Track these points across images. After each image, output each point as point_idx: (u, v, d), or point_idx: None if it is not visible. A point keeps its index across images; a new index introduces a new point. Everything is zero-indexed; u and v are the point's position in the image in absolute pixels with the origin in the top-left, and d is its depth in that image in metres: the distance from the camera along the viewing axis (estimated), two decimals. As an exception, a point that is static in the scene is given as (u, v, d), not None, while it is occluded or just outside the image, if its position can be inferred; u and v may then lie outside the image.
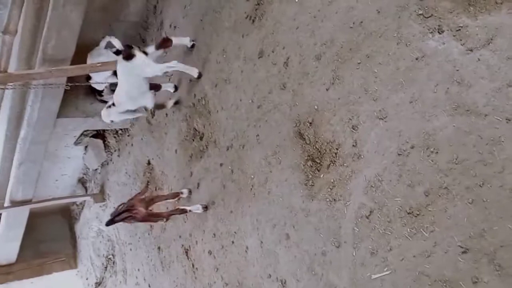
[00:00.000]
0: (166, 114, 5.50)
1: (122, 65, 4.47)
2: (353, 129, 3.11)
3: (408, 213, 2.75)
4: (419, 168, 2.68)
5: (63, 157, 7.33)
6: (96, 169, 7.46)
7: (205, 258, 4.75)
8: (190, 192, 5.01)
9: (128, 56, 4.42)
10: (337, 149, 3.25)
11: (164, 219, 4.69)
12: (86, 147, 7.38)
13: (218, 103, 4.50)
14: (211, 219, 4.63)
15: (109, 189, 7.12)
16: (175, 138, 5.32)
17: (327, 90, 3.32)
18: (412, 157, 2.72)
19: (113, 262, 7.21)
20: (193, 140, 4.96)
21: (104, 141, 7.09)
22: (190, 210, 4.71)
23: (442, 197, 2.57)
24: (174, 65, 4.55)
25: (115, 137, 6.90)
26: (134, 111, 4.99)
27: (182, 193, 4.97)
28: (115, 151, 6.92)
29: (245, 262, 4.18)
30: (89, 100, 6.01)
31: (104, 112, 4.94)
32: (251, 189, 4.04)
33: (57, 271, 7.96)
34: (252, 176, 4.02)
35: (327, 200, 3.32)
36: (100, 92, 5.89)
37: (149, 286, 5.95)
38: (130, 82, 4.55)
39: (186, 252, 5.09)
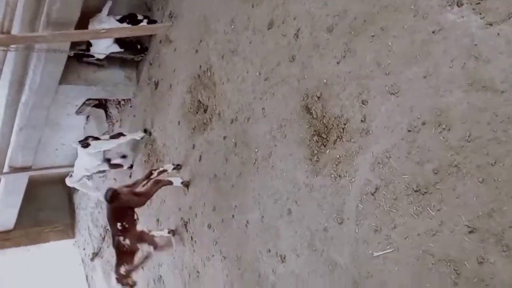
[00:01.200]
0: (170, 85, 5.42)
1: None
2: (363, 104, 3.03)
3: (415, 191, 2.69)
4: (430, 145, 2.62)
5: (64, 126, 7.25)
6: (97, 140, 7.41)
7: (204, 231, 4.72)
8: (177, 166, 5.11)
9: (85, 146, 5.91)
10: (344, 124, 3.18)
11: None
12: (87, 117, 7.31)
13: (224, 75, 4.41)
14: (212, 193, 4.59)
15: (109, 159, 7.08)
16: (178, 110, 5.24)
17: (337, 63, 3.23)
18: (422, 134, 2.66)
19: (111, 233, 7.21)
20: (197, 112, 4.88)
21: (106, 112, 7.01)
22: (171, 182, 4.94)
23: (451, 175, 2.51)
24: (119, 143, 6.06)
25: (117, 107, 6.82)
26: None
27: (166, 170, 5.06)
28: (116, 121, 6.85)
29: (244, 236, 4.15)
30: (92, 69, 5.91)
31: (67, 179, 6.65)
32: (254, 163, 3.98)
33: (55, 240, 7.97)
34: (256, 150, 3.96)
35: (332, 176, 3.26)
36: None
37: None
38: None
39: (185, 225, 5.06)
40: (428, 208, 2.62)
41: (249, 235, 4.09)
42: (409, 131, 2.72)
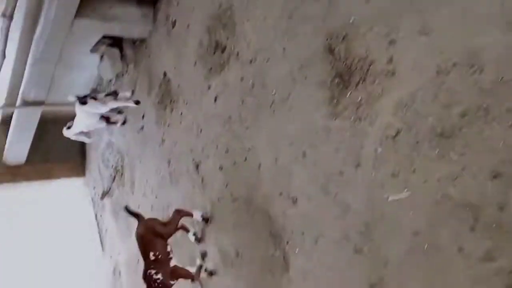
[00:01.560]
0: (188, 25, 5.28)
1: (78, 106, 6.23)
2: (390, 44, 2.92)
3: (439, 135, 2.62)
4: (459, 88, 2.52)
5: (78, 65, 7.17)
6: (110, 80, 7.33)
7: (216, 173, 4.71)
8: (204, 219, 4.93)
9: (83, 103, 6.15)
10: (369, 65, 3.07)
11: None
12: (102, 56, 7.20)
13: (245, 14, 4.27)
14: (226, 135, 4.54)
15: (122, 100, 7.03)
16: (195, 50, 5.13)
17: (366, 1, 3.09)
18: (452, 76, 2.56)
19: (121, 174, 7.25)
20: (214, 53, 4.77)
21: (121, 51, 6.90)
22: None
23: (479, 119, 2.43)
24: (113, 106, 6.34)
25: (132, 47, 6.71)
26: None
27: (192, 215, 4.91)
28: (131, 62, 6.75)
29: (256, 179, 4.13)
30: (108, 4, 5.77)
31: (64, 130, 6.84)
32: (271, 105, 3.91)
33: (65, 177, 8.05)
34: (274, 92, 3.88)
35: (352, 119, 3.19)
36: None
37: (156, 197, 5.99)
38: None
39: (197, 167, 5.06)
40: (451, 152, 2.56)
41: (261, 177, 4.07)
42: (438, 72, 2.62)
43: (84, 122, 6.53)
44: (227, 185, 4.53)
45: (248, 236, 4.28)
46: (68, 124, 6.77)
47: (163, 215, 5.82)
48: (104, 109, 6.32)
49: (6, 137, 7.27)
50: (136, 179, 6.69)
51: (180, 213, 4.77)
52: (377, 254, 3.05)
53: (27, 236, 8.66)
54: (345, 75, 3.25)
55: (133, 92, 6.62)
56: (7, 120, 7.14)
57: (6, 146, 7.27)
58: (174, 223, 4.68)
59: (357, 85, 3.16)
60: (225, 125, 4.55)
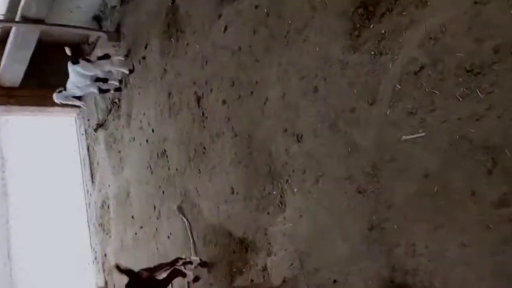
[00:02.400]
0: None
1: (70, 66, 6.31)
2: (425, -29, 2.71)
3: (467, 71, 2.44)
4: (496, 20, 2.33)
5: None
6: (114, 6, 7.01)
7: (218, 108, 4.53)
8: (203, 263, 4.80)
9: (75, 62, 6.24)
10: (399, -5, 2.87)
11: None
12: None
13: None
14: (233, 67, 4.33)
15: (125, 29, 6.73)
16: (207, -23, 4.85)
17: None
18: (490, 7, 2.36)
19: (118, 106, 7.05)
20: (228, -21, 4.50)
21: (127, -25, 6.58)
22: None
23: (514, 55, 2.26)
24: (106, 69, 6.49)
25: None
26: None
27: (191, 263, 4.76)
28: (138, -12, 6.44)
29: (261, 114, 3.97)
30: None
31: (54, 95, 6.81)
32: (286, 35, 3.69)
33: (60, 106, 7.81)
34: (290, 22, 3.66)
35: (372, 53, 3.00)
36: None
37: (153, 131, 5.83)
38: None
39: (198, 100, 4.87)
40: (477, 91, 2.40)
41: (266, 113, 3.90)
42: (475, 3, 2.42)
43: (75, 84, 6.57)
44: (228, 119, 4.36)
45: (245, 174, 4.16)
46: (59, 89, 6.83)
47: (159, 149, 5.68)
48: (96, 71, 6.44)
49: (2, 55, 6.99)
50: (133, 111, 6.49)
51: (176, 273, 4.66)
52: (381, 196, 2.93)
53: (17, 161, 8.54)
54: (370, 5, 3.02)
55: (127, 55, 6.58)
56: (4, 38, 6.85)
57: (2, 64, 7.00)
58: (166, 283, 4.59)
59: (382, 16, 2.94)
60: (233, 56, 4.33)
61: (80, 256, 8.10)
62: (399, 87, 2.83)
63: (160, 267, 4.57)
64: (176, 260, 4.75)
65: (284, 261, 3.68)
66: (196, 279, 4.73)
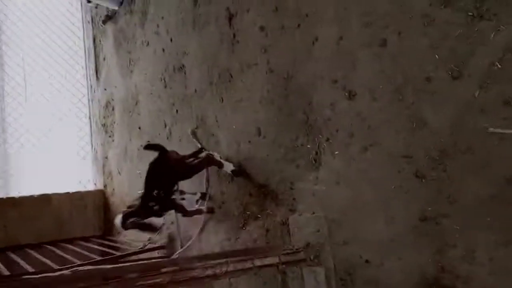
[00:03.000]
0: None
1: None
2: None
3: None
4: None
5: None
6: None
7: (254, 33, 3.90)
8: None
9: None
10: None
11: None
12: None
13: None
14: (278, -11, 3.64)
15: None
16: None
17: None
18: None
19: (132, 0, 6.27)
20: None
21: None
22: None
23: None
24: None
25: None
26: None
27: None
28: None
29: (306, 54, 3.38)
30: None
31: None
32: (356, -36, 3.00)
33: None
34: None
35: (470, 14, 2.38)
36: None
37: (171, 40, 5.18)
38: None
39: (230, 18, 4.20)
40: None
41: (314, 55, 3.32)
42: None
43: None
44: (265, 51, 3.76)
45: (277, 117, 3.67)
46: None
47: (176, 62, 5.09)
48: None
49: None
50: (150, 11, 5.76)
51: (209, 162, 4.22)
52: (445, 188, 2.52)
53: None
54: (482, -50, 2.35)
55: None
56: None
57: None
58: (197, 169, 4.21)
59: (495, -32, 2.30)
60: (280, -22, 3.62)
61: (78, 152, 7.81)
62: (498, 66, 2.27)
63: (190, 156, 4.28)
64: (201, 149, 4.47)
65: (310, 224, 3.36)
66: (211, 210, 4.43)
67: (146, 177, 3.94)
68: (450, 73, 2.46)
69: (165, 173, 3.94)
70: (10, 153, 7.54)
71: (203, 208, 4.40)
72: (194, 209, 4.42)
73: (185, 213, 4.34)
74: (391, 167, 2.78)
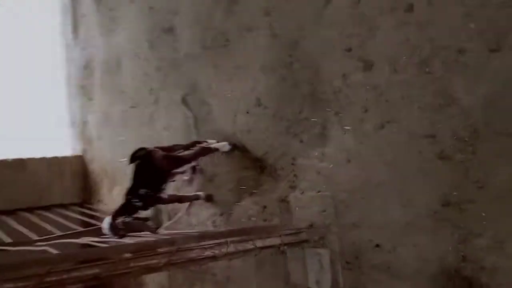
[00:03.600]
0: None
1: None
2: None
3: None
4: None
5: None
6: None
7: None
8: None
9: None
10: None
11: None
12: None
13: None
14: None
15: None
16: None
17: None
18: None
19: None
20: None
21: None
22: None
23: None
24: None
25: None
26: None
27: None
28: None
29: (316, 19, 3.07)
30: None
31: None
32: None
33: None
34: None
35: (515, -21, 2.13)
36: None
37: (159, -2, 4.76)
38: None
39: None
40: None
41: (325, 20, 3.01)
42: None
43: None
44: (268, 14, 3.43)
45: (279, 87, 3.38)
46: None
47: (164, 22, 4.69)
48: None
49: None
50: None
51: (204, 152, 3.87)
52: (473, 171, 2.30)
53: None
54: None
55: None
56: None
57: None
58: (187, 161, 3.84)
59: None
60: None
61: (54, 116, 7.36)
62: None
63: (175, 147, 3.88)
64: (194, 143, 4.07)
65: (314, 204, 3.13)
66: (210, 198, 4.12)
67: (132, 177, 3.61)
68: (489, 47, 2.21)
69: (150, 173, 3.60)
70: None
71: (201, 194, 4.08)
72: (191, 194, 4.09)
73: (179, 201, 4.01)
74: (411, 147, 2.55)
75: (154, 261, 2.43)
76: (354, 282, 2.92)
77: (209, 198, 4.05)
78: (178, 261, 2.51)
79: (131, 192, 3.46)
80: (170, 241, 2.59)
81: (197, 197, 4.09)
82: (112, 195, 5.98)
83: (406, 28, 2.52)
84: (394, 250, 2.68)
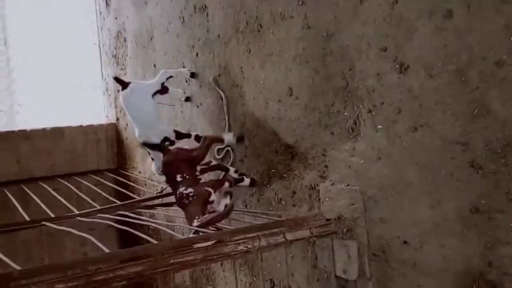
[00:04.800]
0: None
1: None
2: None
3: None
4: None
5: None
6: None
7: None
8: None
9: None
10: None
11: None
12: None
13: None
14: None
15: None
16: None
17: None
18: None
19: None
20: None
21: None
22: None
23: None
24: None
25: None
26: None
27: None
28: None
29: (352, 14, 3.04)
30: None
31: None
32: None
33: None
34: None
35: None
36: None
37: (192, -24, 4.73)
38: None
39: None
40: None
41: (361, 16, 2.97)
42: None
43: None
44: (303, 3, 3.40)
45: (312, 79, 3.41)
46: None
47: (196, 0, 4.69)
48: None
49: None
50: None
51: (210, 140, 4.08)
52: (504, 183, 2.33)
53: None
54: None
55: None
56: None
57: None
58: (203, 148, 4.01)
59: None
60: None
61: (88, 83, 7.54)
62: None
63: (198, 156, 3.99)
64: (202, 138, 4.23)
65: (343, 197, 3.23)
66: (253, 183, 4.17)
67: (166, 172, 3.87)
68: (529, 58, 2.19)
69: (180, 163, 3.81)
70: (17, 85, 7.30)
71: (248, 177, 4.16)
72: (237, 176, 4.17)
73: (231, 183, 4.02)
74: (443, 152, 2.59)
75: (191, 257, 2.60)
76: (381, 274, 3.05)
77: (253, 183, 4.16)
78: (214, 256, 2.68)
79: (175, 187, 3.70)
80: (205, 237, 2.75)
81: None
82: (145, 164, 6.18)
83: (444, 34, 2.50)
84: (421, 248, 2.78)
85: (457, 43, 2.45)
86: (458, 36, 2.44)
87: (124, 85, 4.04)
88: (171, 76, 4.38)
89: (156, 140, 4.02)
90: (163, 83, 4.28)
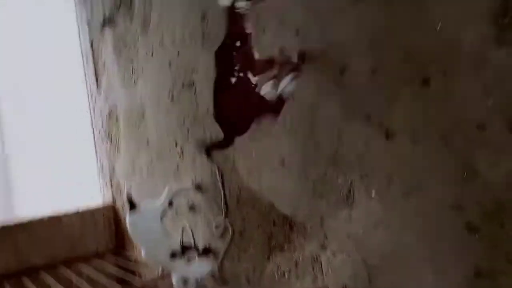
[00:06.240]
0: None
1: None
2: None
3: None
4: None
5: None
6: None
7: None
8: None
9: None
10: None
11: None
12: None
13: None
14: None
15: None
16: None
17: None
18: None
19: (130, 3, 5.91)
20: None
21: None
22: None
23: None
24: None
25: None
26: None
27: None
28: None
29: (333, 82, 3.13)
30: None
31: None
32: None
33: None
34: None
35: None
36: None
37: (178, 55, 4.88)
38: None
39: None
40: None
41: (342, 83, 3.07)
42: None
43: None
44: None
45: (302, 148, 3.44)
46: None
47: (184, 77, 4.82)
48: None
49: None
50: (153, 18, 5.40)
51: None
52: (502, 244, 2.31)
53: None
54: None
55: None
56: None
57: None
58: None
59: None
60: None
61: (83, 164, 7.59)
62: None
63: None
64: None
65: (345, 267, 3.18)
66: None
67: None
68: (507, 122, 2.23)
69: None
70: (10, 167, 7.34)
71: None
72: None
73: None
74: (439, 217, 2.57)
75: None
76: None
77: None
78: None
79: None
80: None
81: None
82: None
83: (423, 98, 2.55)
84: (431, 318, 2.70)
85: (437, 108, 2.50)
86: (436, 99, 2.50)
87: (133, 206, 4.01)
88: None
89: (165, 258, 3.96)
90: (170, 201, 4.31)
